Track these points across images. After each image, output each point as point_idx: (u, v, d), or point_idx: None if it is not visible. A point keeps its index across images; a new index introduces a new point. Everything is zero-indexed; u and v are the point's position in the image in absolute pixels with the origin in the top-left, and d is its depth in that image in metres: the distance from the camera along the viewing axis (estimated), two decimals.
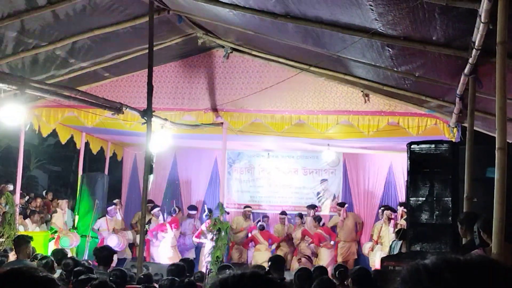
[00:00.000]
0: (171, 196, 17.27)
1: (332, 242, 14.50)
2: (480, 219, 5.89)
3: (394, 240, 11.51)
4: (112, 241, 14.11)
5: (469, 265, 1.21)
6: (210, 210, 14.87)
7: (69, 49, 11.23)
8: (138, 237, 14.26)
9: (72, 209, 16.11)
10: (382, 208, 14.36)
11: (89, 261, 10.85)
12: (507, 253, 4.84)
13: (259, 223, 15.01)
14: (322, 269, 8.26)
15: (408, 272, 1.25)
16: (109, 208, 15.08)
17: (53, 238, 14.22)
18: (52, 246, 13.48)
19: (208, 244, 13.76)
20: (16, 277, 1.79)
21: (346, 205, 15.29)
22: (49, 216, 15.90)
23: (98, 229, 14.77)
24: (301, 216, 15.15)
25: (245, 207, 15.90)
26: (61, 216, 15.10)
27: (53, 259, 8.09)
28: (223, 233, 12.89)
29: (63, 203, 15.59)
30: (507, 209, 4.69)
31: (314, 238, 14.48)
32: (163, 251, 14.94)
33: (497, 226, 4.68)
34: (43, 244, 13.54)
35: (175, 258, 14.65)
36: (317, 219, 14.78)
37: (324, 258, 14.26)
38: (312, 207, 15.49)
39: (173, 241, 15.08)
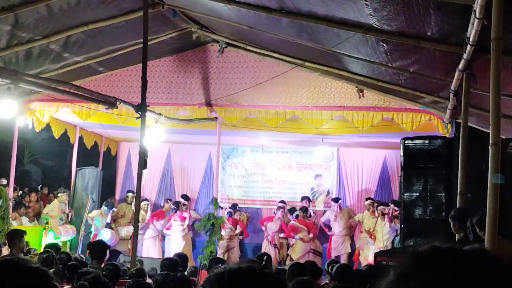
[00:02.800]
0: (164, 190, 17.26)
1: (310, 235, 14.44)
2: (476, 215, 5.89)
3: (397, 235, 11.54)
4: (106, 235, 14.10)
5: (463, 254, 1.21)
6: (234, 206, 14.87)
7: (63, 43, 11.18)
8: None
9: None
10: (375, 204, 14.40)
11: (82, 255, 10.84)
12: (502, 248, 4.85)
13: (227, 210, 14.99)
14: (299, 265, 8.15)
15: (403, 259, 1.25)
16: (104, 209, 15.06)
17: (44, 228, 14.18)
18: (48, 240, 13.45)
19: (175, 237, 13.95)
20: (8, 268, 1.78)
21: (340, 201, 15.31)
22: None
23: (93, 219, 14.75)
24: (293, 210, 15.06)
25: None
26: (58, 207, 14.94)
27: (54, 253, 8.08)
28: (216, 228, 12.92)
29: (64, 196, 15.35)
30: (500, 205, 4.70)
31: (288, 229, 14.52)
32: (145, 244, 15.01)
33: (490, 221, 4.70)
34: (38, 238, 13.54)
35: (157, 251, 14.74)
36: (303, 209, 14.79)
37: (298, 251, 14.28)
38: (306, 198, 15.53)
39: (153, 233, 15.13)
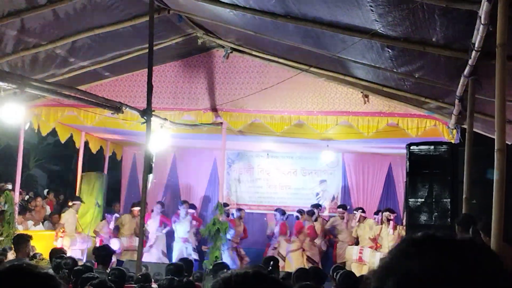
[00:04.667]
0: (170, 196, 17.26)
1: (293, 238, 14.44)
2: (481, 221, 5.90)
3: None
4: (114, 245, 14.09)
5: (455, 241, 1.26)
6: (301, 212, 14.80)
7: (69, 48, 11.23)
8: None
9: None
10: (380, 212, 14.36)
11: (92, 261, 10.84)
12: (507, 255, 4.85)
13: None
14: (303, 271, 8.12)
15: (399, 243, 1.32)
16: (108, 215, 15.02)
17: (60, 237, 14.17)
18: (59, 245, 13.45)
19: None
20: (17, 274, 1.79)
21: (348, 207, 15.26)
22: (48, 215, 15.87)
23: (99, 232, 14.70)
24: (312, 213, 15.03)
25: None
26: (73, 216, 14.86)
27: (74, 259, 8.11)
28: (221, 234, 12.91)
29: (77, 205, 15.21)
30: (506, 211, 4.70)
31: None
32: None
33: (496, 227, 4.69)
34: (46, 244, 13.53)
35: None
36: (310, 213, 14.77)
37: (282, 249, 14.33)
38: (316, 206, 15.43)
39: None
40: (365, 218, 14.31)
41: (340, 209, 15.13)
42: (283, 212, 14.88)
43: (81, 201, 15.01)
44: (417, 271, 1.20)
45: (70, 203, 15.25)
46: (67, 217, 14.70)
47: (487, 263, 1.23)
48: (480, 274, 1.20)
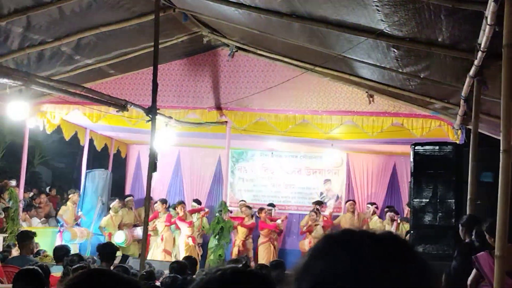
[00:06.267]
0: (174, 194, 17.27)
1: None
2: (486, 222, 5.89)
3: None
4: (120, 237, 14.13)
5: (374, 237, 1.22)
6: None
7: (74, 45, 11.25)
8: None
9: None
10: (385, 210, 14.39)
11: (94, 257, 10.86)
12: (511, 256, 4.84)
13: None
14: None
15: (318, 241, 1.29)
16: (111, 204, 15.06)
17: (58, 231, 14.23)
18: (58, 241, 13.49)
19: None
20: (101, 278, 1.80)
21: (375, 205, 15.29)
22: (54, 212, 15.91)
23: (105, 227, 14.74)
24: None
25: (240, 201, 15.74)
26: (71, 209, 14.98)
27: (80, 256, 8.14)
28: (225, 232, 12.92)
29: (75, 196, 15.40)
30: (511, 212, 4.69)
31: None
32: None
33: (500, 228, 4.68)
34: (49, 240, 13.59)
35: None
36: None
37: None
38: (318, 203, 15.41)
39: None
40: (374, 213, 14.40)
41: (350, 201, 15.13)
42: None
43: (75, 192, 15.13)
44: (331, 270, 1.17)
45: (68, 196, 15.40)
46: (65, 209, 14.78)
47: (405, 259, 1.19)
48: (397, 270, 1.15)
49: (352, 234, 1.23)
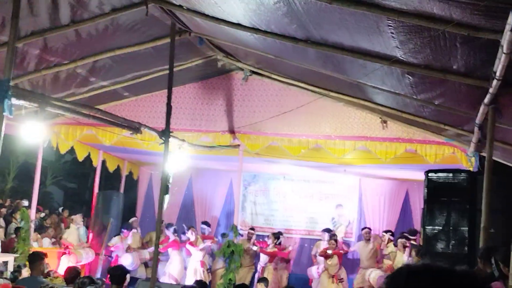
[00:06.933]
0: (185, 217, 17.25)
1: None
2: (500, 251, 5.83)
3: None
4: (127, 260, 14.10)
5: (450, 273, 1.34)
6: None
7: (90, 67, 11.33)
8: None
9: (87, 226, 16.12)
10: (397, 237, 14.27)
11: (103, 279, 10.85)
12: None
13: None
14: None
15: (396, 273, 1.39)
16: (124, 231, 15.04)
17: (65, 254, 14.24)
18: (65, 263, 13.48)
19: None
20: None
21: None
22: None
23: (113, 246, 14.74)
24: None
25: (250, 229, 15.63)
26: (75, 231, 15.08)
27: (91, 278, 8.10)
28: (236, 256, 12.86)
29: (78, 217, 15.55)
30: None
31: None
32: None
33: None
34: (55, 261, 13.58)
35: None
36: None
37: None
38: (327, 230, 15.30)
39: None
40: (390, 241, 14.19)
41: (366, 229, 14.92)
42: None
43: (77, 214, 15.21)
44: None
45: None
46: (69, 232, 14.83)
47: None
48: None
49: (430, 269, 1.36)
